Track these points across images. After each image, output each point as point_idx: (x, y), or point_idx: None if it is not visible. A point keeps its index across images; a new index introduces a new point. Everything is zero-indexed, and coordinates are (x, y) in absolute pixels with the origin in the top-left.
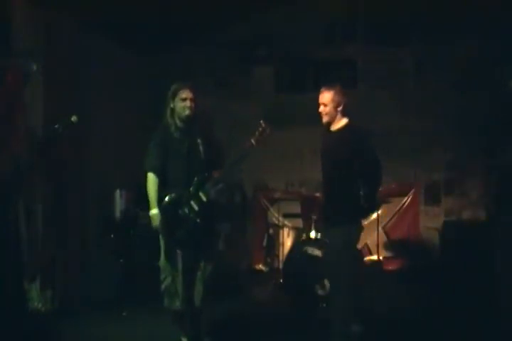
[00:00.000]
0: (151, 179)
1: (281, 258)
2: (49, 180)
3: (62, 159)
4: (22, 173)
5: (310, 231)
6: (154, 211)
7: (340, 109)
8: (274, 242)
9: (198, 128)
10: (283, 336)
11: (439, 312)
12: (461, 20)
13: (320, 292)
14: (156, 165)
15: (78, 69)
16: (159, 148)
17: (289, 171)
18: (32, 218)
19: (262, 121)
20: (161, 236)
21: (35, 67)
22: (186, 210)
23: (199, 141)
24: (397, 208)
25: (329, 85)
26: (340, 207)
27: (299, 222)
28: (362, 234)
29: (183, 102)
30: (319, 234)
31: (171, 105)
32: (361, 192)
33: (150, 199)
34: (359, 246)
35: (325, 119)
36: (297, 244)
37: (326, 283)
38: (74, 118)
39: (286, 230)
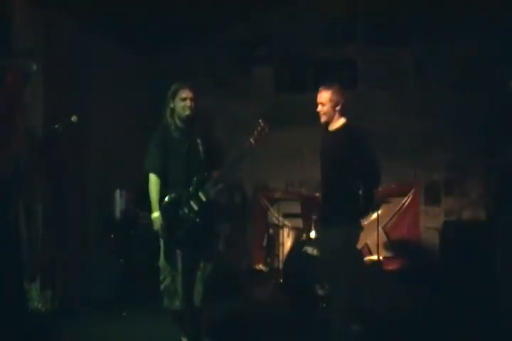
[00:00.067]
0: (153, 180)
1: (281, 258)
2: (49, 180)
3: (62, 159)
4: (22, 173)
5: (310, 231)
6: (156, 214)
7: (338, 108)
8: (274, 242)
9: (198, 128)
10: (283, 336)
11: (439, 312)
12: (461, 20)
13: (320, 292)
14: (157, 166)
15: (78, 69)
16: (159, 148)
17: (289, 171)
18: (32, 218)
19: (260, 120)
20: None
21: (35, 67)
22: (186, 210)
23: (199, 140)
24: (397, 208)
25: (327, 85)
26: (339, 207)
27: (299, 222)
28: (362, 234)
29: (183, 102)
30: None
31: (171, 105)
32: (360, 192)
33: (152, 202)
34: (359, 246)
35: (323, 119)
36: (297, 244)
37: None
38: (74, 118)
39: (286, 230)
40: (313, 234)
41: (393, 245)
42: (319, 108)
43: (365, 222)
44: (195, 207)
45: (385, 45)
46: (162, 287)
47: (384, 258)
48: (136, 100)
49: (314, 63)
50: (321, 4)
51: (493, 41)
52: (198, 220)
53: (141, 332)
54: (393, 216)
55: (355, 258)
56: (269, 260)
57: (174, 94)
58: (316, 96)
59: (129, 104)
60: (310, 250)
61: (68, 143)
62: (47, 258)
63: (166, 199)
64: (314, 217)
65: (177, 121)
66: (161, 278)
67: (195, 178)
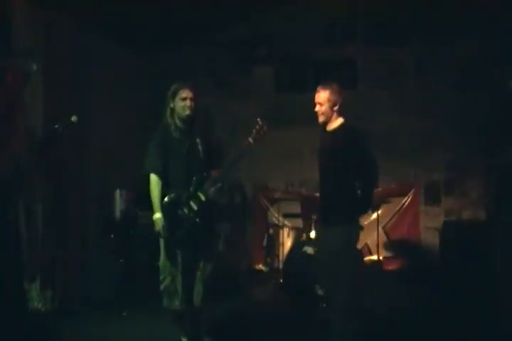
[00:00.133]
0: (154, 181)
1: (281, 258)
2: (49, 180)
3: (62, 159)
4: (22, 173)
5: (310, 231)
6: (158, 215)
7: (336, 108)
8: (274, 242)
9: (198, 128)
10: (283, 336)
11: (439, 312)
12: (461, 20)
13: (320, 292)
14: (157, 166)
15: (78, 69)
16: (159, 148)
17: (289, 171)
18: (32, 218)
19: (259, 119)
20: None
21: (35, 67)
22: (186, 210)
23: (198, 140)
24: (397, 208)
25: (325, 84)
26: (338, 207)
27: (299, 222)
28: (362, 234)
29: (183, 102)
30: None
31: (171, 105)
32: (358, 192)
33: (153, 203)
34: (359, 246)
35: (321, 119)
36: (297, 244)
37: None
38: (74, 118)
39: (286, 230)
40: (313, 234)
41: (393, 245)
42: (317, 108)
43: (365, 222)
44: (195, 207)
45: (385, 45)
46: (162, 287)
47: (384, 258)
48: (136, 100)
49: (314, 63)
50: (321, 4)
51: (493, 41)
52: (197, 220)
53: (141, 332)
54: (393, 216)
55: (355, 258)
56: (269, 260)
57: (174, 94)
58: (315, 96)
59: (129, 104)
60: (310, 250)
61: (68, 143)
62: (47, 258)
63: (166, 199)
64: (314, 217)
65: (177, 121)
66: (161, 278)
67: (194, 178)
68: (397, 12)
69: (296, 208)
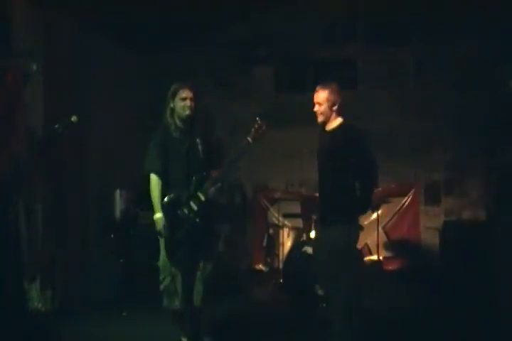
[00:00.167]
0: (154, 181)
1: (281, 258)
2: (49, 180)
3: (62, 159)
4: (22, 173)
5: (310, 231)
6: (158, 215)
7: (335, 108)
8: (274, 242)
9: (198, 127)
10: (283, 336)
11: (439, 312)
12: (461, 20)
13: (320, 292)
14: (157, 166)
15: (78, 69)
16: (159, 148)
17: (289, 171)
18: (32, 218)
19: (257, 118)
20: (159, 236)
21: (35, 67)
22: (185, 210)
23: (198, 140)
24: (397, 208)
25: (324, 84)
26: (337, 207)
27: (299, 222)
28: (362, 234)
29: (183, 102)
30: None
31: (171, 105)
32: (357, 192)
33: (154, 203)
34: (359, 246)
35: (320, 119)
36: (297, 244)
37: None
38: (74, 118)
39: (286, 230)
40: (313, 234)
41: (393, 245)
42: (316, 108)
43: (365, 222)
44: (195, 207)
45: (385, 45)
46: (162, 287)
47: (384, 258)
48: (136, 100)
49: (314, 63)
50: (321, 4)
51: (493, 41)
52: (197, 220)
53: (141, 332)
54: (393, 216)
55: (354, 258)
56: (269, 260)
57: (174, 94)
58: (314, 96)
59: (129, 104)
60: (310, 250)
61: (68, 143)
62: (47, 258)
63: (166, 199)
64: (314, 217)
65: (177, 121)
66: (161, 278)
67: (194, 178)
68: (397, 12)
69: (296, 208)
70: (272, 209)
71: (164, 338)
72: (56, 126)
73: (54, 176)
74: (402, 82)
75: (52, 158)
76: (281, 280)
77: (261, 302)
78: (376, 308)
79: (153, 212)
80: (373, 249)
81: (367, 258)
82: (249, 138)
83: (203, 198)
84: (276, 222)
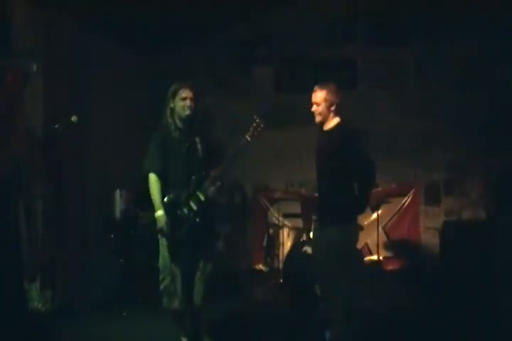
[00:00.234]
0: (153, 179)
1: (281, 258)
2: (49, 180)
3: (62, 159)
4: (22, 173)
5: (310, 231)
6: (160, 212)
7: (333, 108)
8: (274, 242)
9: (197, 127)
10: (283, 336)
11: (439, 312)
12: (461, 20)
13: (319, 292)
14: (157, 165)
15: (78, 69)
16: (159, 148)
17: (289, 171)
18: (32, 218)
19: (255, 116)
20: (159, 236)
21: (35, 67)
22: (185, 210)
23: (197, 140)
24: (397, 208)
25: (323, 84)
26: (334, 207)
27: (299, 222)
28: (362, 234)
29: (183, 102)
30: None
31: (171, 105)
32: (355, 192)
33: (154, 201)
34: (359, 246)
35: (317, 119)
36: (297, 244)
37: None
38: (74, 118)
39: (286, 230)
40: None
41: (393, 245)
42: (314, 108)
43: (365, 222)
44: (195, 207)
45: (385, 45)
46: (162, 287)
47: (384, 258)
48: (136, 100)
49: (314, 63)
50: (321, 4)
51: (493, 41)
52: (197, 220)
53: (141, 332)
54: (393, 216)
55: (353, 258)
56: (269, 260)
57: (174, 94)
58: (311, 96)
59: (129, 104)
60: (310, 250)
61: (68, 143)
62: (47, 258)
63: (165, 199)
64: (314, 217)
65: (177, 121)
66: (161, 278)
67: (193, 177)
68: (397, 12)
69: (296, 208)
70: (271, 209)
71: (164, 338)
72: (56, 126)
73: (54, 176)
74: (402, 82)
75: (52, 158)
76: (281, 280)
77: (261, 302)
78: (376, 308)
79: (153, 212)
80: (373, 249)
81: (367, 258)
82: (247, 137)
83: (202, 198)
84: (276, 222)
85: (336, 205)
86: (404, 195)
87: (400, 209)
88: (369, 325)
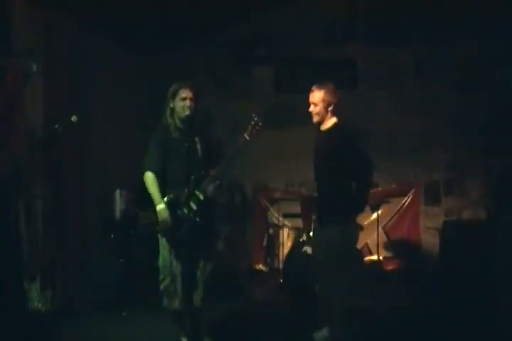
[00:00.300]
0: (150, 177)
1: (281, 258)
2: (49, 180)
3: (62, 159)
4: (22, 173)
5: (310, 231)
6: (161, 205)
7: (330, 108)
8: (274, 242)
9: (197, 127)
10: (283, 336)
11: (439, 312)
12: (461, 20)
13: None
14: (155, 165)
15: (78, 69)
16: (159, 148)
17: (289, 171)
18: (32, 218)
19: (253, 115)
20: (159, 236)
21: (35, 67)
22: (185, 210)
23: (197, 139)
24: (397, 208)
25: (320, 84)
26: (332, 207)
27: (299, 222)
28: (362, 234)
29: (183, 102)
30: None
31: (171, 105)
32: (352, 192)
33: (153, 196)
34: (359, 246)
35: (315, 119)
36: (297, 244)
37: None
38: (74, 118)
39: (286, 230)
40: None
41: (393, 245)
42: (311, 108)
43: (365, 222)
44: (194, 207)
45: (385, 45)
46: (162, 287)
47: (384, 258)
48: (136, 100)
49: (314, 63)
50: (321, 4)
51: (493, 41)
52: (197, 220)
53: (141, 332)
54: (393, 216)
55: (352, 258)
56: (269, 260)
57: (174, 94)
58: (309, 96)
59: (129, 104)
60: (310, 250)
61: (68, 143)
62: (47, 258)
63: (165, 199)
64: (314, 217)
65: (177, 121)
66: (161, 278)
67: (192, 177)
68: (397, 12)
69: (296, 208)
70: (271, 209)
71: (164, 338)
72: (56, 126)
73: (54, 176)
74: (402, 82)
75: (52, 158)
76: (281, 280)
77: (261, 302)
78: (376, 308)
79: (153, 212)
80: (373, 249)
81: (367, 258)
82: (245, 135)
83: (201, 197)
84: (276, 222)
85: (335, 205)
86: (404, 195)
87: (400, 209)
88: (369, 325)
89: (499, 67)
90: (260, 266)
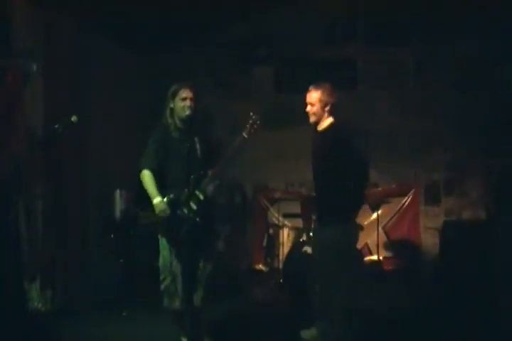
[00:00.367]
0: (147, 174)
1: (281, 258)
2: (49, 180)
3: (62, 159)
4: (22, 173)
5: (310, 231)
6: (158, 198)
7: (327, 108)
8: (274, 242)
9: (197, 127)
10: (283, 336)
11: (439, 312)
12: (461, 20)
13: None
14: (153, 164)
15: (78, 69)
16: (158, 146)
17: (289, 171)
18: (32, 218)
19: (252, 113)
20: (159, 236)
21: (35, 67)
22: (185, 210)
23: (196, 139)
24: (397, 208)
25: (317, 84)
26: (329, 207)
27: (299, 222)
28: (362, 234)
29: (183, 102)
30: None
31: (171, 105)
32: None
33: (149, 190)
34: (359, 246)
35: (312, 119)
36: (297, 244)
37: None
38: (74, 118)
39: (286, 230)
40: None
41: (393, 245)
42: (308, 108)
43: (365, 222)
44: (194, 207)
45: (385, 45)
46: (162, 287)
47: (384, 258)
48: (136, 100)
49: (314, 63)
50: (321, 4)
51: (493, 41)
52: (197, 219)
53: (141, 332)
54: (393, 216)
55: (351, 258)
56: (269, 260)
57: (174, 94)
58: (306, 96)
59: (129, 104)
60: (310, 250)
61: (68, 143)
62: (47, 258)
63: (165, 200)
64: (314, 217)
65: (177, 121)
66: (161, 278)
67: (191, 177)
68: (397, 12)
69: (296, 208)
70: (272, 209)
71: (164, 338)
72: (56, 126)
73: (54, 176)
74: (402, 82)
75: (52, 158)
76: (281, 280)
77: (261, 302)
78: (376, 308)
79: (153, 212)
80: (373, 249)
81: (367, 258)
82: (244, 134)
83: (201, 197)
84: (276, 222)
85: (332, 205)
86: (404, 195)
87: (400, 209)
88: (369, 325)
89: (499, 67)
90: (260, 266)
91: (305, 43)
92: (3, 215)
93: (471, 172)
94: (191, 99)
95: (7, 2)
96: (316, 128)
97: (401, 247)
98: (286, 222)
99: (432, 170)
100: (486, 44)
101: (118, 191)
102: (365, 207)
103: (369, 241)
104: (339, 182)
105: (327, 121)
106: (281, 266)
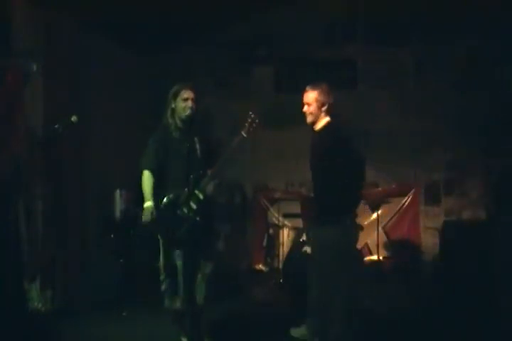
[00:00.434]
0: (147, 175)
1: (281, 258)
2: (49, 180)
3: (62, 159)
4: (22, 173)
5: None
6: (149, 203)
7: (324, 108)
8: (274, 242)
9: (197, 127)
10: (283, 336)
11: (439, 312)
12: (461, 20)
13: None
14: (152, 164)
15: (78, 69)
16: (158, 147)
17: (289, 171)
18: (32, 218)
19: (250, 112)
20: (159, 237)
21: (35, 67)
22: (185, 210)
23: (196, 139)
24: (397, 208)
25: (314, 84)
26: (326, 207)
27: (299, 222)
28: (362, 234)
29: (184, 102)
30: None
31: (172, 105)
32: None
33: (144, 192)
34: (359, 246)
35: (309, 119)
36: (297, 244)
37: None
38: (74, 118)
39: (286, 230)
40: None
41: (393, 245)
42: (305, 108)
43: (365, 222)
44: (194, 206)
45: (385, 45)
46: (162, 287)
47: (384, 258)
48: (136, 100)
49: (314, 63)
50: (321, 4)
51: (493, 41)
52: (197, 219)
53: (141, 332)
54: (393, 216)
55: (351, 258)
56: (269, 260)
57: (176, 95)
58: (303, 96)
59: (129, 104)
60: (310, 250)
61: (68, 143)
62: (47, 258)
63: (165, 199)
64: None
65: (177, 121)
66: (162, 278)
67: (191, 177)
68: (397, 12)
69: (296, 208)
70: (272, 209)
71: (164, 338)
72: (56, 126)
73: (54, 176)
74: (402, 82)
75: (52, 158)
76: (281, 280)
77: (261, 302)
78: (376, 308)
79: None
80: (373, 249)
81: (367, 258)
82: (243, 133)
83: (201, 196)
84: (276, 222)
85: (329, 204)
86: (404, 195)
87: (400, 209)
88: (369, 325)
89: (499, 67)
90: (260, 266)
91: (305, 43)
92: (3, 215)
93: (471, 172)
94: (192, 100)
95: (7, 2)
96: (313, 128)
97: (401, 247)
98: (286, 222)
99: (432, 170)
100: (486, 44)
101: (118, 191)
102: (365, 207)
103: (369, 241)
104: (335, 182)
105: (323, 121)
106: (281, 266)
